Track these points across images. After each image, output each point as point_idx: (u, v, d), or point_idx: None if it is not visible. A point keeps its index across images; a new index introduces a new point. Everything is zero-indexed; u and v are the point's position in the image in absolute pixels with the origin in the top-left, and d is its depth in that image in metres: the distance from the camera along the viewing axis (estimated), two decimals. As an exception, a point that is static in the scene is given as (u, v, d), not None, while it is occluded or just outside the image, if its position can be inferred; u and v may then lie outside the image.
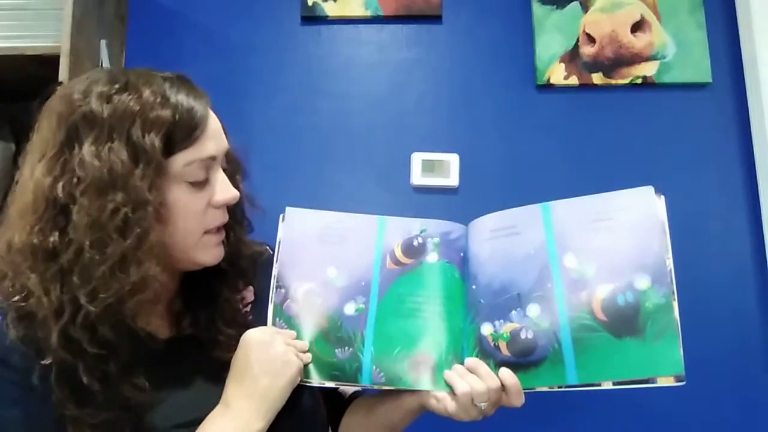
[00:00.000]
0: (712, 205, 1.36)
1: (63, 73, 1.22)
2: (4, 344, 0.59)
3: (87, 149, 0.60)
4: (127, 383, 0.61)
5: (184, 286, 0.74)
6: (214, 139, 0.67)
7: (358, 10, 1.48)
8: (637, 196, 0.71)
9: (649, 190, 0.71)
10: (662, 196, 0.70)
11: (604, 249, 0.70)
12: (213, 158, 0.67)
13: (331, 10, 1.48)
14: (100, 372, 0.59)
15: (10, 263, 0.61)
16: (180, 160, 0.64)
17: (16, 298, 0.60)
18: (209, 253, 0.69)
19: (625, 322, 0.66)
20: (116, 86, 0.63)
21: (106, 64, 1.37)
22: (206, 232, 0.68)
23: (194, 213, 0.66)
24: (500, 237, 0.75)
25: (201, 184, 0.66)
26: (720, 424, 1.27)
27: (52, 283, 0.58)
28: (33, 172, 0.62)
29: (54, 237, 0.59)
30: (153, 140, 0.61)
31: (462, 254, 0.78)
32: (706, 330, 1.27)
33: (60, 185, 0.59)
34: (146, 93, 0.63)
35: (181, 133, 0.63)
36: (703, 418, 1.26)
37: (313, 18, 1.49)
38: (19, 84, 1.30)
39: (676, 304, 0.65)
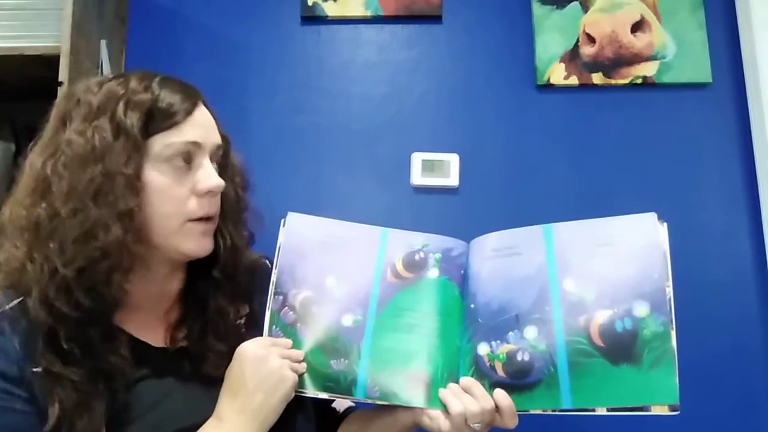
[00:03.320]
0: (712, 206, 1.36)
1: (63, 73, 1.22)
2: None
3: (74, 128, 0.65)
4: (110, 351, 0.63)
5: (183, 297, 0.74)
6: (198, 128, 0.69)
7: (358, 10, 1.48)
8: (640, 223, 0.71)
9: (652, 216, 0.70)
10: (665, 223, 0.70)
11: (604, 274, 0.70)
12: (195, 144, 0.68)
13: (331, 10, 1.48)
14: (81, 338, 0.61)
15: (7, 237, 0.65)
16: (160, 141, 0.66)
17: (10, 269, 0.64)
18: (193, 242, 0.69)
19: (622, 348, 0.66)
20: (109, 77, 0.70)
21: (106, 64, 1.37)
22: (190, 221, 0.68)
23: (174, 197, 0.67)
24: (501, 256, 0.75)
25: (183, 169, 0.68)
26: (720, 425, 1.27)
27: (36, 252, 0.62)
28: (32, 158, 0.67)
29: (40, 209, 0.63)
30: (133, 119, 0.65)
31: (462, 272, 0.77)
32: (705, 331, 1.27)
33: (49, 163, 0.64)
34: (133, 81, 0.68)
35: (161, 116, 0.66)
36: (703, 419, 1.26)
37: (313, 18, 1.49)
38: (19, 84, 1.30)
39: (674, 333, 0.65)
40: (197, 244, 0.70)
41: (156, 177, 0.66)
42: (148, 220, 0.66)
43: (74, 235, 0.61)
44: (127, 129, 0.64)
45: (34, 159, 0.66)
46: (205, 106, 0.72)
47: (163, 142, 0.66)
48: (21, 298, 0.63)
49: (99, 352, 0.62)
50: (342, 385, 0.71)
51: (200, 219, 0.69)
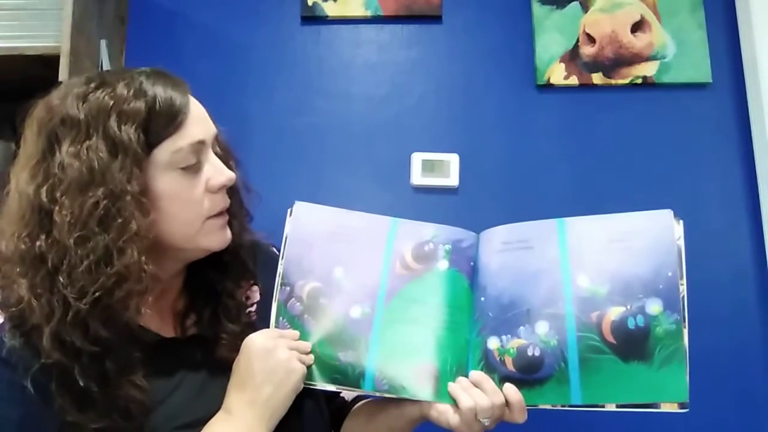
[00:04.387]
0: (712, 205, 1.36)
1: (63, 73, 1.22)
2: (5, 349, 0.59)
3: (66, 151, 0.60)
4: (127, 383, 0.60)
5: (187, 285, 0.74)
6: (199, 124, 0.66)
7: (358, 10, 1.48)
8: (656, 219, 0.70)
9: (668, 213, 0.70)
10: (681, 221, 0.69)
11: (618, 270, 0.69)
12: (201, 142, 0.66)
13: (331, 10, 1.48)
14: (96, 372, 0.59)
15: (1, 273, 0.61)
16: (167, 148, 0.63)
17: (12, 307, 0.59)
18: (215, 237, 0.69)
19: (633, 346, 0.66)
20: (92, 86, 0.63)
21: (106, 64, 1.37)
22: (208, 218, 0.67)
23: (192, 200, 0.65)
24: (512, 250, 0.74)
25: (194, 170, 0.66)
26: (719, 423, 1.27)
27: (41, 287, 0.58)
28: (18, 182, 0.62)
29: (41, 241, 0.59)
30: (129, 132, 0.61)
31: (472, 264, 0.76)
32: (705, 329, 1.27)
33: (43, 190, 0.60)
34: (120, 87, 0.63)
35: (163, 121, 0.63)
36: (702, 416, 1.26)
37: (313, 18, 1.49)
38: (19, 84, 1.30)
39: (686, 331, 0.65)
40: (219, 238, 0.69)
41: (168, 186, 0.63)
42: (167, 228, 0.64)
43: (86, 264, 0.57)
44: (124, 144, 0.60)
45: (25, 187, 0.61)
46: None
47: (170, 150, 0.63)
48: (28, 338, 0.59)
49: (116, 385, 0.59)
50: (350, 377, 0.71)
51: (217, 213, 0.68)
